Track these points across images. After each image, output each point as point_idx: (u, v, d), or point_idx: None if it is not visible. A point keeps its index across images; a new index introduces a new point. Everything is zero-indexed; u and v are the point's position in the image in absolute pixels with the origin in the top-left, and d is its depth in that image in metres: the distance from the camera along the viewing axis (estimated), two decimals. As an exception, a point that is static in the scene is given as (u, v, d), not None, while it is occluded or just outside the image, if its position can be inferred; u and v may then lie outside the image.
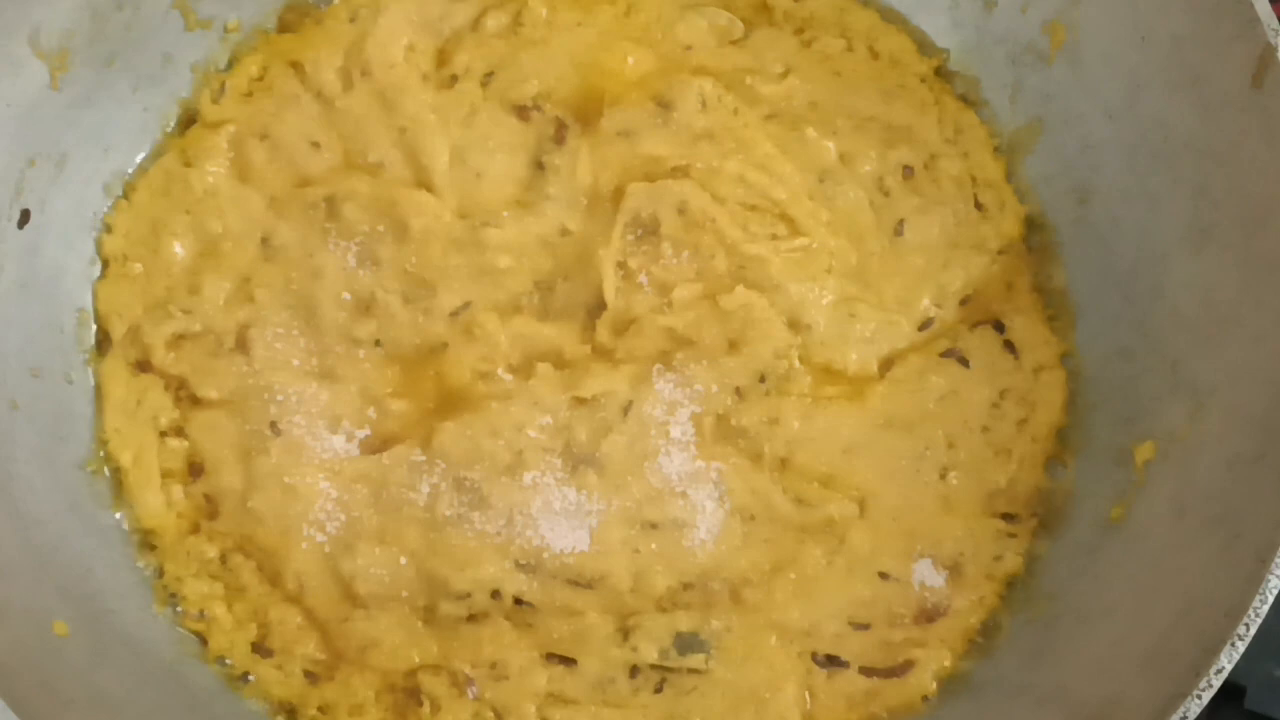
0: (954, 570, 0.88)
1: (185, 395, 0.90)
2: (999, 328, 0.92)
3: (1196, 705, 0.68)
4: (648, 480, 0.86)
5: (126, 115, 0.92)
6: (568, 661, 0.84)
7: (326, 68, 0.94)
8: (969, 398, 0.90)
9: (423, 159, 0.92)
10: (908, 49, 0.97)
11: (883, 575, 0.87)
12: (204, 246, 0.92)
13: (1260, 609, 0.69)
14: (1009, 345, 0.92)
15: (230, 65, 0.96)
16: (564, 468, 0.87)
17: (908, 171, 0.94)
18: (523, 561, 0.85)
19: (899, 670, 0.86)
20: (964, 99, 0.97)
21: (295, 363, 0.90)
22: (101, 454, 0.89)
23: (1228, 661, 0.69)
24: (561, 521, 0.86)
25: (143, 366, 0.90)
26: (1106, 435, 0.88)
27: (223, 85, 0.95)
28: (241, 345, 0.90)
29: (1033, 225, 0.94)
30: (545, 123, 0.93)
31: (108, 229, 0.92)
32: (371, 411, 0.89)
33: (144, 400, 0.89)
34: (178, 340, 0.90)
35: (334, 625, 0.86)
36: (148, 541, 0.88)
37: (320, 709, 0.85)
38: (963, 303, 0.92)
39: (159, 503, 0.88)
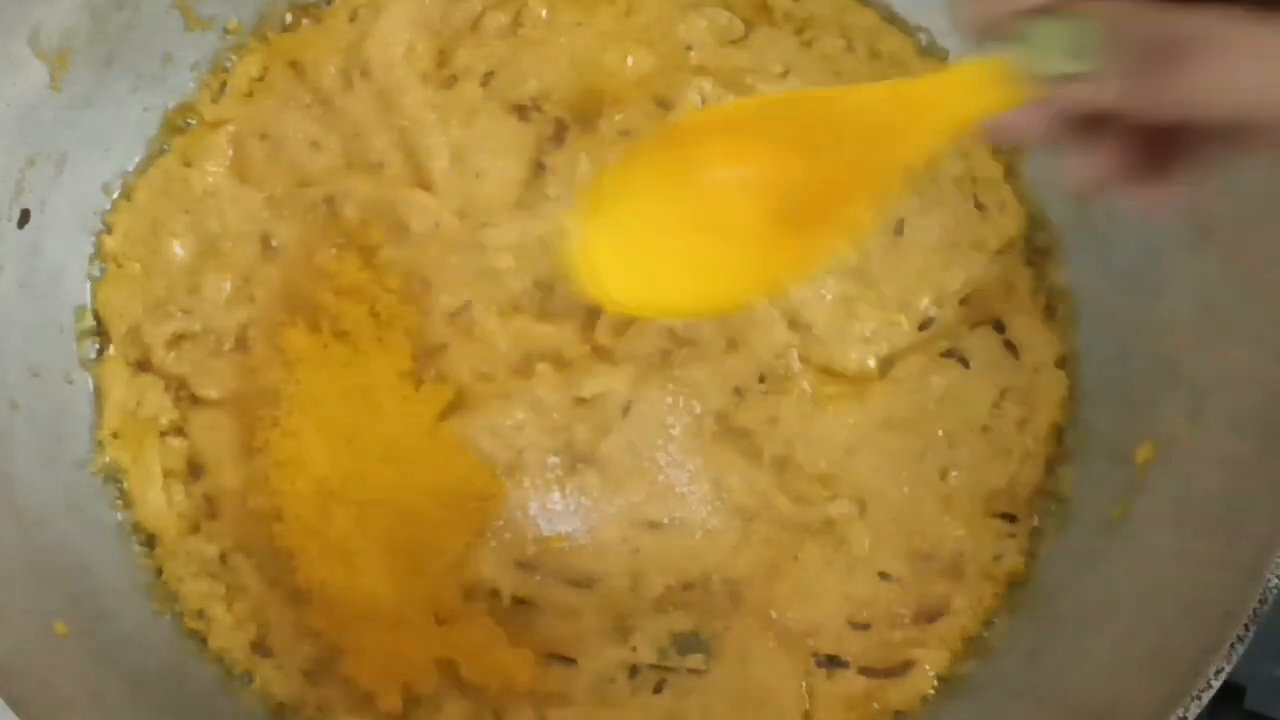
0: (954, 570, 0.88)
1: (185, 395, 0.90)
2: (999, 328, 0.92)
3: (1196, 705, 0.68)
4: (647, 480, 0.87)
5: (126, 115, 0.92)
6: (567, 661, 0.85)
7: (326, 68, 0.95)
8: (969, 398, 0.90)
9: (422, 159, 0.92)
10: (908, 49, 0.97)
11: (883, 575, 0.87)
12: (204, 246, 0.92)
13: (1260, 609, 0.69)
14: (1009, 345, 0.92)
15: (230, 65, 0.96)
16: (564, 467, 0.87)
17: (908, 171, 0.94)
18: (522, 561, 0.85)
19: (899, 670, 0.86)
20: (964, 99, 0.97)
21: (294, 362, 0.89)
22: (101, 454, 0.89)
23: (1227, 662, 0.68)
24: (561, 521, 0.86)
25: (143, 366, 0.90)
26: (1106, 435, 0.88)
27: (223, 85, 0.95)
28: (241, 345, 0.90)
29: (1033, 225, 0.94)
30: (545, 123, 0.93)
31: (108, 229, 0.92)
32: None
33: (144, 400, 0.90)
34: (178, 340, 0.90)
35: (334, 625, 0.86)
36: (148, 541, 0.88)
37: (319, 708, 0.85)
38: (963, 302, 0.92)
39: (159, 503, 0.88)
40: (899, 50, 0.97)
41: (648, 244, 0.55)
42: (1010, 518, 0.89)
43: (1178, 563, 0.77)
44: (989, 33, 0.49)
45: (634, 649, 0.85)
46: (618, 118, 0.93)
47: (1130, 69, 0.46)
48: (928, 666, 0.86)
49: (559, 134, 0.93)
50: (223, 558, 0.88)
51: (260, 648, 0.86)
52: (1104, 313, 0.90)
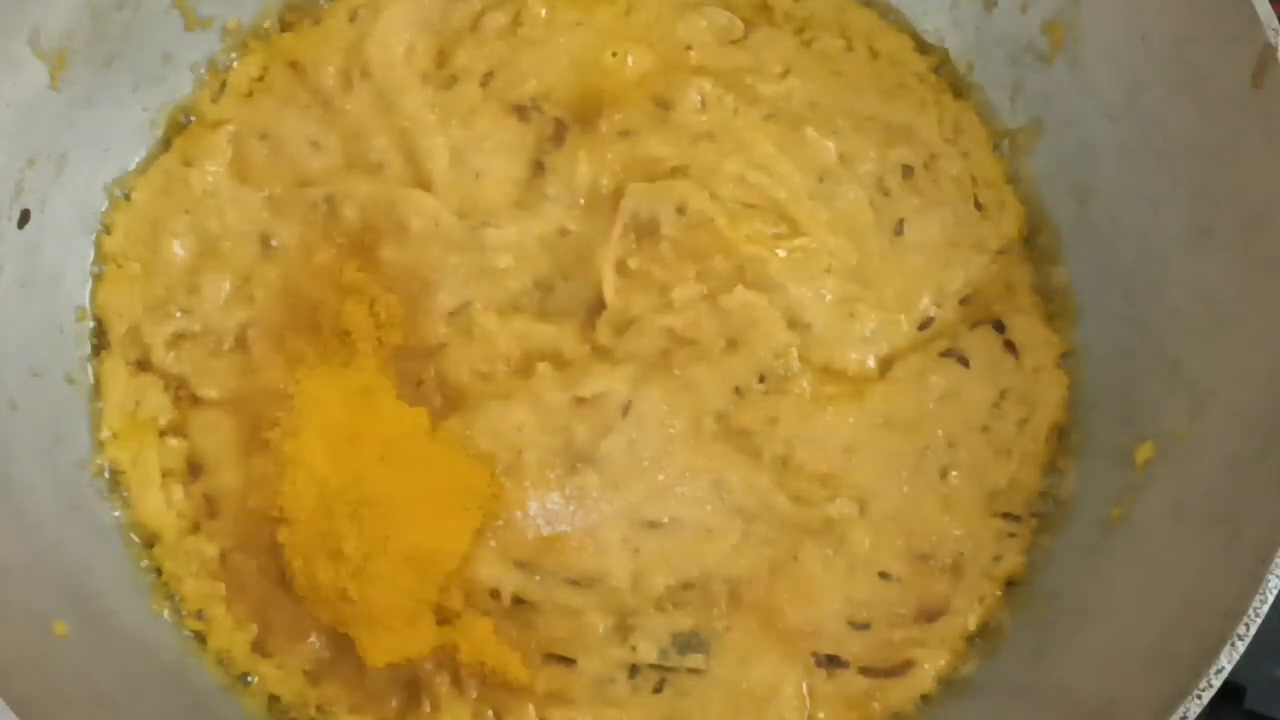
0: (954, 570, 0.88)
1: (185, 395, 0.90)
2: (999, 328, 0.92)
3: (1196, 705, 0.68)
4: (647, 480, 0.87)
5: (126, 115, 0.92)
6: (567, 661, 0.84)
7: (326, 68, 0.95)
8: (969, 398, 0.90)
9: (422, 159, 0.92)
10: (907, 49, 0.98)
11: (883, 575, 0.87)
12: (204, 246, 0.92)
13: (1260, 609, 0.69)
14: (1009, 345, 0.92)
15: (230, 65, 0.96)
16: (564, 467, 0.87)
17: (907, 171, 0.94)
18: (522, 561, 0.85)
19: (899, 670, 0.86)
20: (964, 99, 0.97)
21: (294, 362, 0.89)
22: (101, 454, 0.89)
23: (1228, 661, 0.68)
24: (561, 521, 0.86)
25: (142, 366, 0.90)
26: (1106, 435, 0.88)
27: (223, 85, 0.95)
28: (241, 345, 0.90)
29: (1033, 225, 0.94)
30: (544, 123, 0.93)
31: (108, 229, 0.92)
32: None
33: (143, 400, 0.90)
34: (177, 340, 0.90)
35: (334, 625, 0.86)
36: (148, 541, 0.88)
37: (319, 708, 0.85)
38: (963, 302, 0.92)
39: (159, 503, 0.88)
40: (898, 50, 0.98)
41: None
42: (1010, 518, 0.89)
43: (1178, 563, 0.77)
44: None
45: (634, 649, 0.85)
46: (617, 118, 0.93)
47: None
48: (928, 666, 0.86)
49: (558, 134, 0.93)
50: (223, 558, 0.87)
51: (260, 648, 0.86)
52: (1104, 313, 0.90)
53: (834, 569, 0.87)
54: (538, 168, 0.93)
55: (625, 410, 0.87)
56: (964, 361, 0.91)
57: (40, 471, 0.85)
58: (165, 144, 0.94)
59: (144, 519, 0.88)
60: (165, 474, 0.89)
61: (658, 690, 0.85)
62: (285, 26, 0.97)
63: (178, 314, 0.91)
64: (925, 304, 0.92)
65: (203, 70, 0.95)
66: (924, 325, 0.92)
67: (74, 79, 0.87)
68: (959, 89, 0.97)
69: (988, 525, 0.89)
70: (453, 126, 0.93)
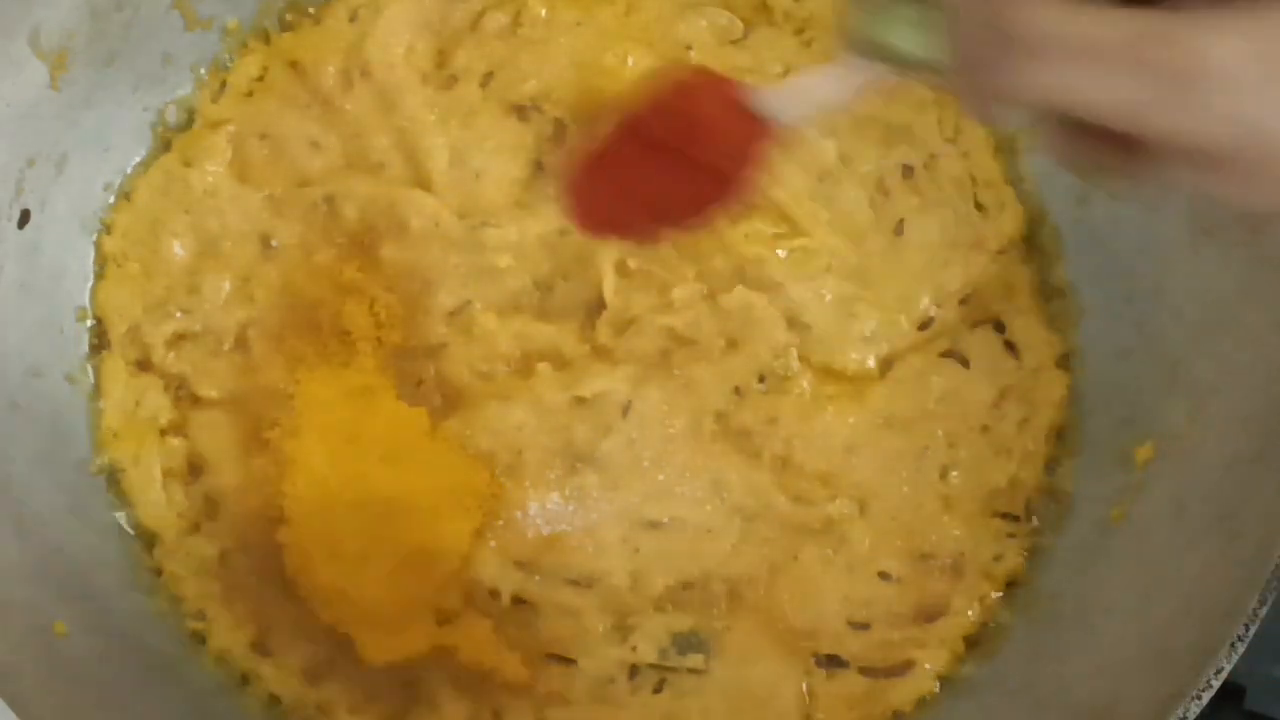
0: (954, 570, 0.88)
1: (185, 395, 0.90)
2: (999, 328, 0.92)
3: (1196, 705, 0.68)
4: (647, 480, 0.87)
5: (126, 115, 0.92)
6: (567, 661, 0.85)
7: (326, 68, 0.95)
8: (969, 398, 0.90)
9: (422, 159, 0.92)
10: (907, 49, 0.97)
11: (883, 575, 0.87)
12: (204, 246, 0.92)
13: (1260, 609, 0.69)
14: (1009, 345, 0.92)
15: (230, 65, 0.96)
16: (564, 467, 0.87)
17: (907, 171, 0.94)
18: (522, 561, 0.85)
19: (899, 670, 0.86)
20: (963, 99, 0.97)
21: (294, 362, 0.90)
22: (101, 454, 0.89)
23: (1227, 661, 0.68)
24: (561, 521, 0.86)
25: (142, 366, 0.91)
26: (1106, 435, 0.88)
27: (223, 85, 0.95)
28: (241, 345, 0.90)
29: (1033, 225, 0.94)
30: (545, 123, 0.93)
31: (107, 229, 0.92)
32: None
33: (143, 400, 0.90)
34: (177, 340, 0.90)
35: (334, 625, 0.86)
36: (148, 541, 0.88)
37: (319, 708, 0.85)
38: (963, 302, 0.92)
39: (159, 503, 0.88)
40: (899, 50, 0.97)
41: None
42: (1010, 518, 0.89)
43: (1178, 563, 0.77)
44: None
45: (634, 649, 0.85)
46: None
47: (968, 62, 0.43)
48: (928, 666, 0.86)
49: (559, 134, 0.93)
50: (223, 557, 0.87)
51: (260, 648, 0.86)
52: (1104, 313, 0.90)
53: (834, 569, 0.87)
54: (538, 168, 0.93)
55: (625, 410, 0.87)
56: (964, 362, 0.91)
57: (40, 471, 0.85)
58: (165, 144, 0.94)
59: (144, 519, 0.88)
60: (165, 474, 0.89)
61: (658, 690, 0.85)
62: (285, 26, 0.97)
63: (178, 314, 0.91)
64: (925, 304, 0.92)
65: (203, 70, 0.95)
66: (924, 325, 0.92)
67: (74, 79, 0.87)
68: (959, 89, 0.97)
69: (988, 525, 0.89)
70: (453, 126, 0.93)
